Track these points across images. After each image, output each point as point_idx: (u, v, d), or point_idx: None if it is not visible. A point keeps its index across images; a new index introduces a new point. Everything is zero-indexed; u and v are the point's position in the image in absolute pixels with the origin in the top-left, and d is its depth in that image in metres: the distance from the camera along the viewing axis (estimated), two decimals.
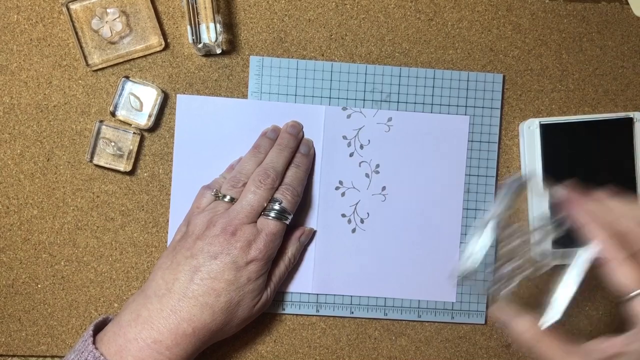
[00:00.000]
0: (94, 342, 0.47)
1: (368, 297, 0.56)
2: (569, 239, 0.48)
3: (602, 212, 0.43)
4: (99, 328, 0.49)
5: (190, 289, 0.48)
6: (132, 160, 0.55)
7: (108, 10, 0.53)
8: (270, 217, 0.50)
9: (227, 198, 0.51)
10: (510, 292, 0.46)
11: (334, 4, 0.56)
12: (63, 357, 0.56)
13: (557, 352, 0.41)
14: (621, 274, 0.41)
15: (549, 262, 0.48)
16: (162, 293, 0.48)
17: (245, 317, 0.50)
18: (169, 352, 0.47)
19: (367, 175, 0.56)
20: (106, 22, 0.53)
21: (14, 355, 0.56)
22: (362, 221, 0.56)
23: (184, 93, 0.55)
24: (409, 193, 0.56)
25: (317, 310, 0.56)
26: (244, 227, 0.49)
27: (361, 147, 0.56)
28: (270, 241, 0.50)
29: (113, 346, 0.47)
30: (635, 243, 0.41)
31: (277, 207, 0.51)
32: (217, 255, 0.48)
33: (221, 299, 0.48)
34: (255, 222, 0.50)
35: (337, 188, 0.56)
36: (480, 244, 0.46)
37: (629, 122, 0.57)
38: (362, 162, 0.56)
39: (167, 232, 0.56)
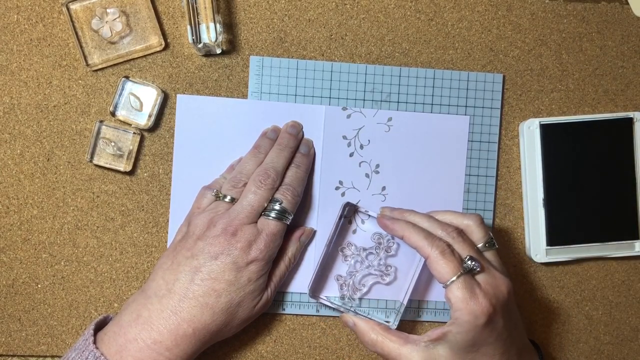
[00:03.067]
0: (94, 342, 0.47)
1: (369, 298, 0.56)
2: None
3: (415, 223, 0.51)
4: (99, 327, 0.49)
5: (191, 290, 0.48)
6: (132, 160, 0.55)
7: (108, 10, 0.53)
8: (270, 217, 0.50)
9: (228, 198, 0.51)
10: (362, 298, 0.56)
11: (334, 4, 0.56)
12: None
13: (394, 345, 0.49)
14: (438, 267, 0.48)
15: (391, 272, 0.55)
16: (162, 293, 0.48)
17: (245, 318, 0.50)
18: (169, 352, 0.47)
19: (367, 175, 0.56)
20: (106, 22, 0.53)
21: (14, 355, 0.56)
22: (362, 222, 0.56)
23: (184, 93, 0.55)
24: (409, 193, 0.56)
25: (317, 310, 0.56)
26: (244, 227, 0.49)
27: (361, 147, 0.56)
28: (271, 241, 0.50)
29: (113, 346, 0.47)
30: (445, 240, 0.49)
31: (277, 207, 0.51)
32: (218, 256, 0.48)
33: (222, 299, 0.48)
34: (256, 222, 0.50)
35: (337, 188, 0.56)
36: (320, 262, 0.54)
37: (629, 122, 0.57)
38: (362, 162, 0.56)
39: (167, 232, 0.56)
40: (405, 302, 0.53)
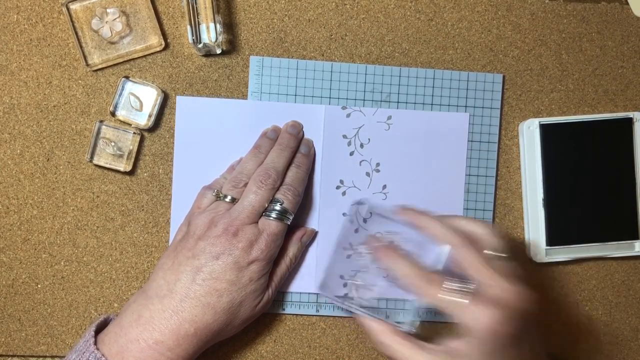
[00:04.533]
0: (95, 343, 0.47)
1: (377, 298, 0.56)
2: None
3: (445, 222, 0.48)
4: (99, 328, 0.49)
5: (192, 290, 0.48)
6: (132, 160, 0.55)
7: (108, 10, 0.53)
8: (271, 218, 0.50)
9: (229, 198, 0.51)
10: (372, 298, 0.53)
11: (334, 4, 0.56)
12: (63, 357, 0.56)
13: (407, 350, 0.45)
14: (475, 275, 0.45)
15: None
16: (163, 294, 0.48)
17: (246, 318, 0.50)
18: (171, 352, 0.47)
19: (367, 174, 0.56)
20: (106, 22, 0.53)
21: (14, 355, 0.56)
22: (364, 220, 0.56)
23: (184, 93, 0.55)
24: (410, 191, 0.56)
25: (317, 310, 0.56)
26: (245, 227, 0.49)
27: (361, 145, 0.56)
28: (272, 241, 0.50)
29: (114, 347, 0.47)
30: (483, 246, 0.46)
31: (278, 207, 0.51)
32: (219, 256, 0.48)
33: (223, 299, 0.48)
34: (257, 222, 0.50)
35: (337, 187, 0.56)
36: (331, 260, 0.54)
37: (629, 122, 0.57)
38: (363, 160, 0.56)
39: (167, 232, 0.56)
40: (418, 304, 0.50)
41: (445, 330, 0.57)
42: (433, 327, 0.57)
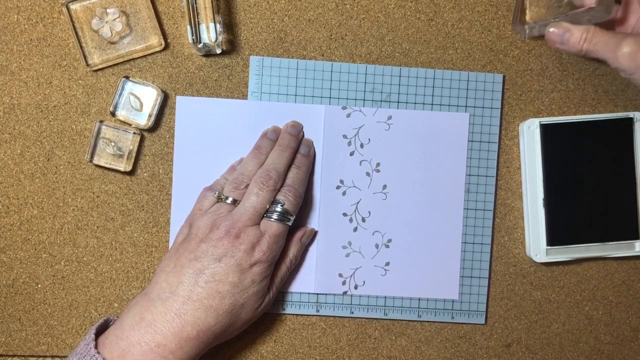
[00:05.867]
0: (96, 347, 0.47)
1: (368, 296, 0.56)
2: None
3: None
4: (100, 331, 0.49)
5: (195, 292, 0.48)
6: (132, 160, 0.55)
7: (108, 10, 0.53)
8: (272, 219, 0.50)
9: (230, 200, 0.51)
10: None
11: (334, 4, 0.56)
12: (63, 357, 0.56)
13: (610, 42, 0.48)
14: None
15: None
16: (166, 296, 0.48)
17: (248, 319, 0.50)
18: (173, 355, 0.47)
19: (367, 174, 0.56)
20: (106, 22, 0.53)
21: (14, 355, 0.56)
22: (363, 220, 0.56)
23: (184, 93, 0.55)
24: (410, 191, 0.56)
25: (317, 310, 0.56)
26: (247, 229, 0.49)
27: (361, 145, 0.56)
28: (274, 243, 0.50)
29: (116, 350, 0.46)
30: None
31: (279, 208, 0.50)
32: (222, 258, 0.48)
33: (225, 301, 0.48)
34: (258, 224, 0.50)
35: (338, 187, 0.56)
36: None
37: (629, 122, 0.57)
38: (363, 160, 0.56)
39: (167, 232, 0.56)
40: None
41: (446, 330, 0.58)
42: (434, 327, 0.58)
